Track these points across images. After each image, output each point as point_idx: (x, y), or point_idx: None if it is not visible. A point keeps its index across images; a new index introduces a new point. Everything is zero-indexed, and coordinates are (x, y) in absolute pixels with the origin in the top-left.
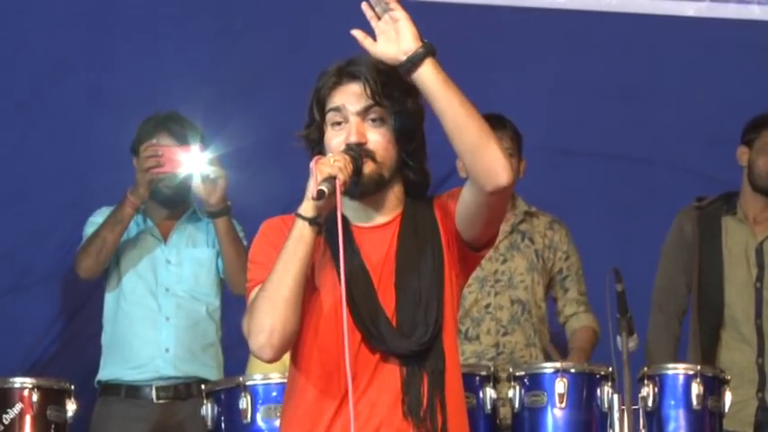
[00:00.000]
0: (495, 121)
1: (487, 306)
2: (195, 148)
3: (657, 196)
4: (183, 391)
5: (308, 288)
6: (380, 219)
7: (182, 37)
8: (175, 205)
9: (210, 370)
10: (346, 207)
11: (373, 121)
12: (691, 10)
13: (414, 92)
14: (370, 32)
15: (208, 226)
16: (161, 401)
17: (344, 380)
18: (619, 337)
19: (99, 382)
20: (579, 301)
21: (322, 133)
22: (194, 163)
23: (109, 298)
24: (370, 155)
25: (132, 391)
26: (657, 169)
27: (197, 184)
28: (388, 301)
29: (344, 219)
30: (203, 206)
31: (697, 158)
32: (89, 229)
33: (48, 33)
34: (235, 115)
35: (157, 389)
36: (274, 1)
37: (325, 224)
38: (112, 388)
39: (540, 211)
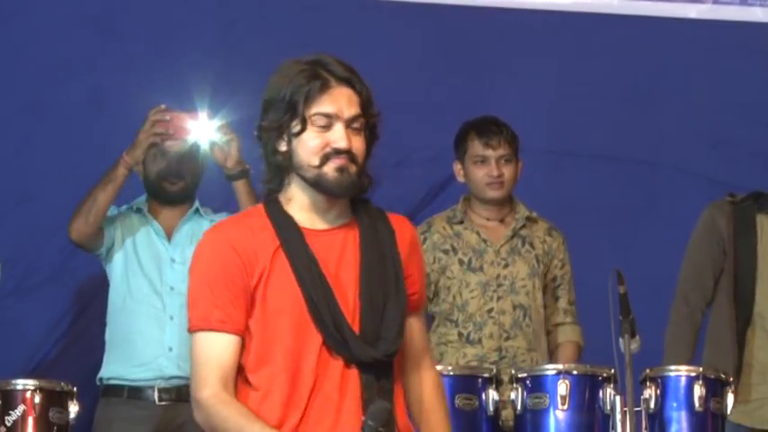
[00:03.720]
0: (491, 127)
1: (490, 311)
2: (203, 115)
3: (660, 198)
4: (186, 392)
5: (268, 294)
6: (331, 222)
7: (185, 39)
8: (179, 204)
9: None
10: (298, 209)
11: (355, 129)
12: (693, 12)
13: (373, 104)
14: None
15: (210, 223)
16: (163, 403)
17: (309, 384)
18: (621, 339)
19: (101, 379)
20: (567, 311)
21: (289, 128)
22: (202, 130)
23: (113, 295)
24: (355, 161)
25: (134, 392)
26: (660, 171)
27: (207, 150)
28: (348, 307)
29: (294, 221)
30: (223, 171)
31: (700, 161)
32: None
33: (51, 36)
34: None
35: (160, 390)
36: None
37: (280, 232)
38: (114, 389)
39: (539, 217)
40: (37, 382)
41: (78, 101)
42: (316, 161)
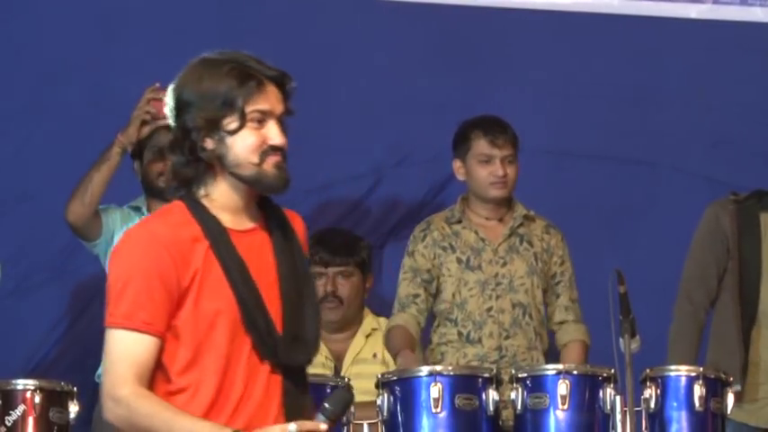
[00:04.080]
0: (497, 126)
1: (489, 309)
2: None
3: (660, 198)
4: None
5: (202, 297)
6: (250, 222)
7: (185, 38)
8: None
9: None
10: (221, 209)
11: (282, 125)
12: (693, 12)
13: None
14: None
15: None
16: None
17: (239, 389)
18: (621, 339)
19: (99, 376)
20: (569, 309)
21: (222, 125)
22: None
23: None
24: (285, 157)
25: None
26: (660, 171)
27: None
28: (273, 311)
29: (219, 222)
30: None
31: (700, 161)
32: None
33: (51, 36)
34: None
35: None
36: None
37: (209, 233)
38: None
39: (537, 215)
40: (37, 382)
41: (79, 101)
42: (255, 158)
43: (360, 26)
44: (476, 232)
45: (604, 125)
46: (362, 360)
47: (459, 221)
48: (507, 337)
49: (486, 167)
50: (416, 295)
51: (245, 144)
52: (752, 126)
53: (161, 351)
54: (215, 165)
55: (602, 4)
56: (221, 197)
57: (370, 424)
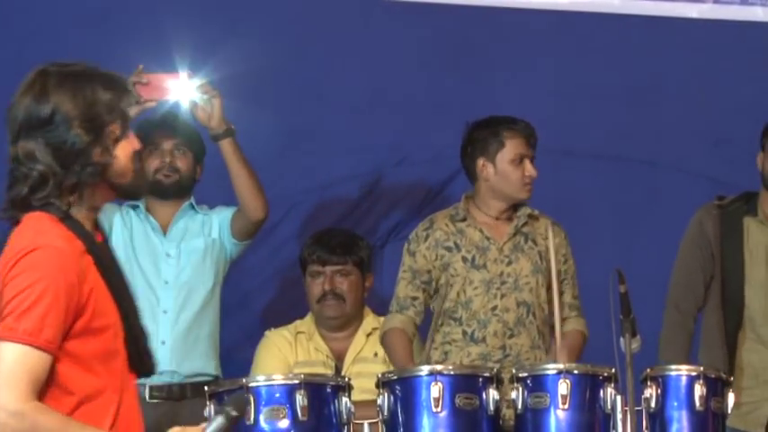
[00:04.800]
0: (529, 127)
1: (494, 308)
2: (183, 74)
3: (660, 198)
4: (177, 392)
5: (95, 313)
6: (97, 233)
7: (182, 34)
8: (174, 198)
9: (208, 361)
10: (85, 220)
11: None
12: (694, 11)
13: None
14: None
15: (203, 217)
16: (154, 401)
17: (116, 400)
18: (622, 339)
19: None
20: (572, 306)
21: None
22: (183, 90)
23: None
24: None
25: None
26: (660, 171)
27: (187, 109)
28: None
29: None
30: (208, 133)
31: (700, 160)
32: None
33: (50, 34)
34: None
35: (151, 388)
36: None
37: (90, 248)
38: None
39: (541, 214)
40: None
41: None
42: (134, 165)
43: (360, 25)
44: (481, 231)
45: (605, 124)
46: (363, 359)
47: (464, 219)
48: (511, 336)
49: (519, 168)
50: (415, 298)
51: (128, 152)
52: (753, 125)
53: (53, 368)
54: (98, 177)
55: (603, 4)
56: (92, 209)
57: (370, 423)
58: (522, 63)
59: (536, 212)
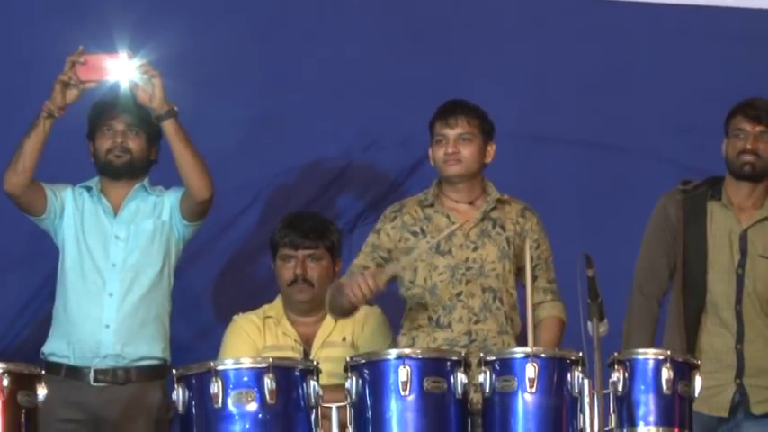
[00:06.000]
0: (449, 107)
1: (459, 294)
2: (123, 55)
3: (629, 183)
4: (122, 375)
5: None
6: None
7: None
8: (126, 179)
9: (154, 345)
10: None
11: None
12: None
13: None
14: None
15: (156, 198)
16: (98, 384)
17: None
18: (589, 323)
19: (43, 353)
20: (547, 290)
21: None
22: (122, 70)
23: (59, 271)
24: None
25: (71, 371)
26: (629, 157)
27: (127, 89)
28: None
29: None
30: (151, 114)
31: (669, 146)
32: None
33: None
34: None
35: (96, 371)
36: None
37: None
38: (54, 366)
39: (511, 199)
40: (5, 365)
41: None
42: None
43: (331, 10)
44: (447, 216)
45: (575, 110)
46: (331, 343)
47: (432, 205)
48: (477, 322)
49: (440, 147)
50: (365, 267)
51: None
52: (722, 111)
53: None
54: None
55: None
56: None
57: (338, 407)
58: (493, 47)
59: (505, 197)
